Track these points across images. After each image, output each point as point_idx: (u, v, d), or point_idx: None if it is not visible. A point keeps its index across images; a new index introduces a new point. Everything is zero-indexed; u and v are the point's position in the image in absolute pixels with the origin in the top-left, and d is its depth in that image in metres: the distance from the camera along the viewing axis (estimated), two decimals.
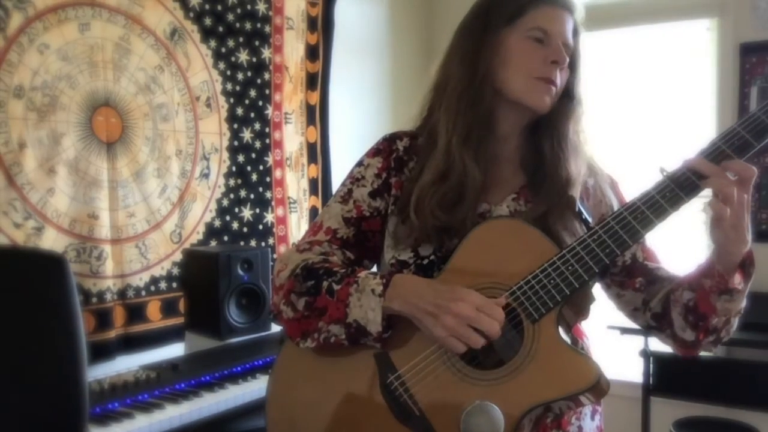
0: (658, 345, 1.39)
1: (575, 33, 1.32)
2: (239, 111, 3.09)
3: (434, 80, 1.39)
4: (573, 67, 1.33)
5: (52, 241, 2.42)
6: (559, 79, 1.30)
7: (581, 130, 1.34)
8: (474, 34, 1.33)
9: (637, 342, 3.11)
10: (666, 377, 3.13)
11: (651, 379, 3.16)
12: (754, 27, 3.36)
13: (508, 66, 1.30)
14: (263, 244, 3.19)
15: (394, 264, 1.33)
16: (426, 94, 1.40)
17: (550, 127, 1.33)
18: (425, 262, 1.30)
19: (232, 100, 3.05)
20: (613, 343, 2.98)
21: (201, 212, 2.94)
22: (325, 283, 1.26)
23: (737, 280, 1.20)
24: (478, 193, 1.30)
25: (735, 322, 1.27)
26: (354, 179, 1.40)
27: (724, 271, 1.19)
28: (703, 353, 2.64)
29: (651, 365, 3.15)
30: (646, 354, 3.13)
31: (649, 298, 1.35)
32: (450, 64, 1.35)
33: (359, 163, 1.42)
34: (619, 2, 3.74)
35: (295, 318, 1.28)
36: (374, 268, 1.44)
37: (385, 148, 1.41)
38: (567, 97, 1.34)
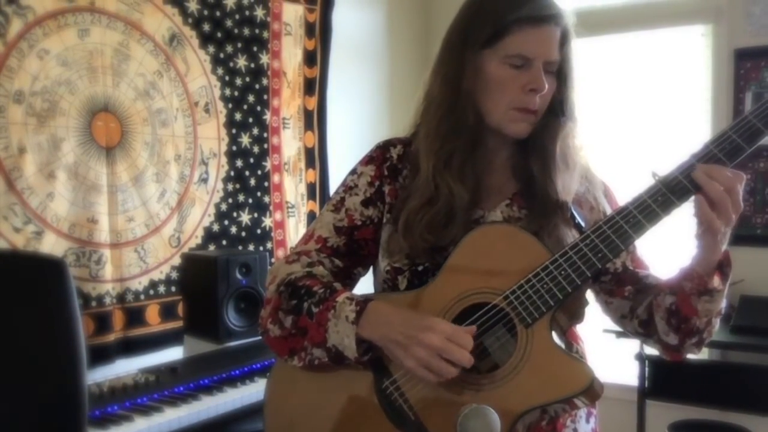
0: (654, 349, 1.40)
1: (564, 42, 1.29)
2: (237, 116, 3.10)
3: (425, 89, 1.38)
4: (563, 76, 1.31)
5: (51, 245, 2.43)
6: (539, 103, 1.29)
7: (571, 143, 1.33)
8: (455, 53, 1.32)
9: (633, 345, 3.12)
10: (661, 380, 3.14)
11: (646, 382, 3.17)
12: (749, 33, 3.38)
13: (487, 94, 1.30)
14: (261, 248, 3.20)
15: (389, 271, 1.34)
16: (419, 102, 1.39)
17: (537, 146, 1.32)
18: (420, 268, 1.31)
19: (230, 106, 3.07)
20: (609, 346, 2.99)
21: (200, 216, 2.95)
22: (305, 305, 1.27)
23: (716, 281, 1.21)
24: (467, 211, 1.31)
25: (716, 323, 1.28)
26: (347, 188, 1.41)
27: (703, 272, 1.20)
28: (699, 357, 2.65)
29: (646, 368, 3.16)
30: (641, 357, 3.14)
31: (636, 306, 1.36)
32: (434, 82, 1.35)
33: (352, 172, 1.43)
34: (614, 8, 3.76)
35: (282, 336, 1.30)
36: (369, 274, 1.46)
37: (378, 156, 1.42)
38: (554, 114, 1.32)
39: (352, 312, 1.23)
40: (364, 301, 1.25)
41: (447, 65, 1.33)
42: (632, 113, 3.71)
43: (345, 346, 1.22)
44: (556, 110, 1.32)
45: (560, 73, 1.30)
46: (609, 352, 3.13)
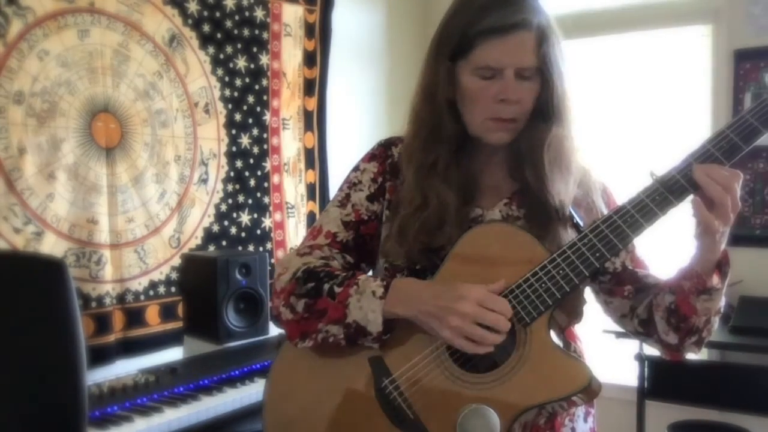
0: (654, 349, 1.40)
1: (541, 43, 1.25)
2: (237, 117, 3.11)
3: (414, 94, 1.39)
4: (544, 79, 1.28)
5: (51, 245, 2.43)
6: (516, 111, 1.28)
7: (563, 146, 1.31)
8: (431, 65, 1.33)
9: (633, 346, 3.12)
10: (661, 381, 3.14)
11: (646, 382, 3.17)
12: (749, 33, 3.38)
13: (464, 105, 1.31)
14: (261, 249, 3.20)
15: (387, 268, 1.35)
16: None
17: (527, 153, 1.31)
18: (418, 267, 1.32)
19: (230, 106, 3.07)
20: (609, 346, 2.99)
21: (199, 217, 2.95)
22: (326, 286, 1.27)
23: (715, 280, 1.21)
24: (459, 212, 1.31)
25: (715, 322, 1.28)
26: (351, 184, 1.42)
27: (702, 272, 1.21)
28: (699, 357, 2.64)
29: (646, 369, 3.16)
30: (641, 358, 3.14)
31: (636, 305, 1.36)
32: (416, 92, 1.37)
33: (355, 168, 1.44)
34: (614, 9, 3.76)
35: (294, 319, 1.30)
36: (370, 273, 1.46)
37: (380, 153, 1.44)
38: (540, 118, 1.30)
39: (379, 287, 1.23)
40: (389, 277, 1.26)
41: (424, 77, 1.35)
42: (632, 114, 3.72)
43: (369, 321, 1.22)
44: (542, 114, 1.30)
45: (542, 76, 1.28)
46: (609, 352, 3.13)
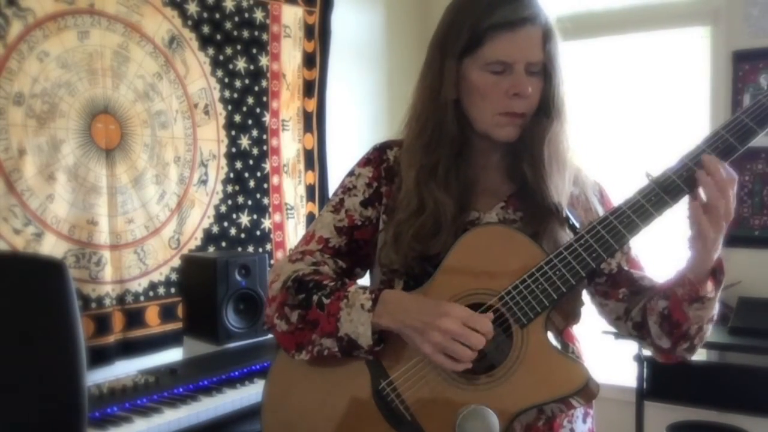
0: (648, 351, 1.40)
1: (546, 40, 1.27)
2: (237, 118, 3.11)
3: (410, 102, 1.39)
4: (548, 75, 1.29)
5: (51, 246, 2.44)
6: (526, 105, 1.28)
7: (560, 145, 1.31)
8: (434, 64, 1.33)
9: (632, 347, 3.13)
10: (660, 382, 3.14)
11: (645, 383, 3.18)
12: (747, 35, 3.38)
13: (471, 101, 1.30)
14: (261, 250, 3.21)
15: (386, 272, 1.35)
16: (405, 114, 1.40)
17: (526, 149, 1.31)
18: (416, 271, 1.32)
19: (229, 108, 3.08)
20: (608, 347, 2.99)
21: (199, 218, 2.96)
22: (315, 297, 1.27)
23: (708, 288, 1.21)
24: (455, 219, 1.31)
25: (708, 329, 1.28)
26: (345, 189, 1.42)
27: (695, 279, 1.20)
28: (698, 358, 2.63)
29: (645, 370, 3.16)
30: (640, 359, 3.14)
31: (631, 308, 1.36)
32: (416, 94, 1.37)
33: (350, 173, 1.44)
34: (614, 10, 3.76)
35: (289, 331, 1.30)
36: (366, 276, 1.46)
37: (375, 157, 1.43)
38: (541, 113, 1.30)
39: (367, 300, 1.23)
40: (378, 290, 1.25)
41: (427, 77, 1.34)
42: (631, 115, 3.72)
43: (359, 335, 1.22)
44: (543, 109, 1.31)
45: (545, 72, 1.29)
46: (608, 353, 3.13)
